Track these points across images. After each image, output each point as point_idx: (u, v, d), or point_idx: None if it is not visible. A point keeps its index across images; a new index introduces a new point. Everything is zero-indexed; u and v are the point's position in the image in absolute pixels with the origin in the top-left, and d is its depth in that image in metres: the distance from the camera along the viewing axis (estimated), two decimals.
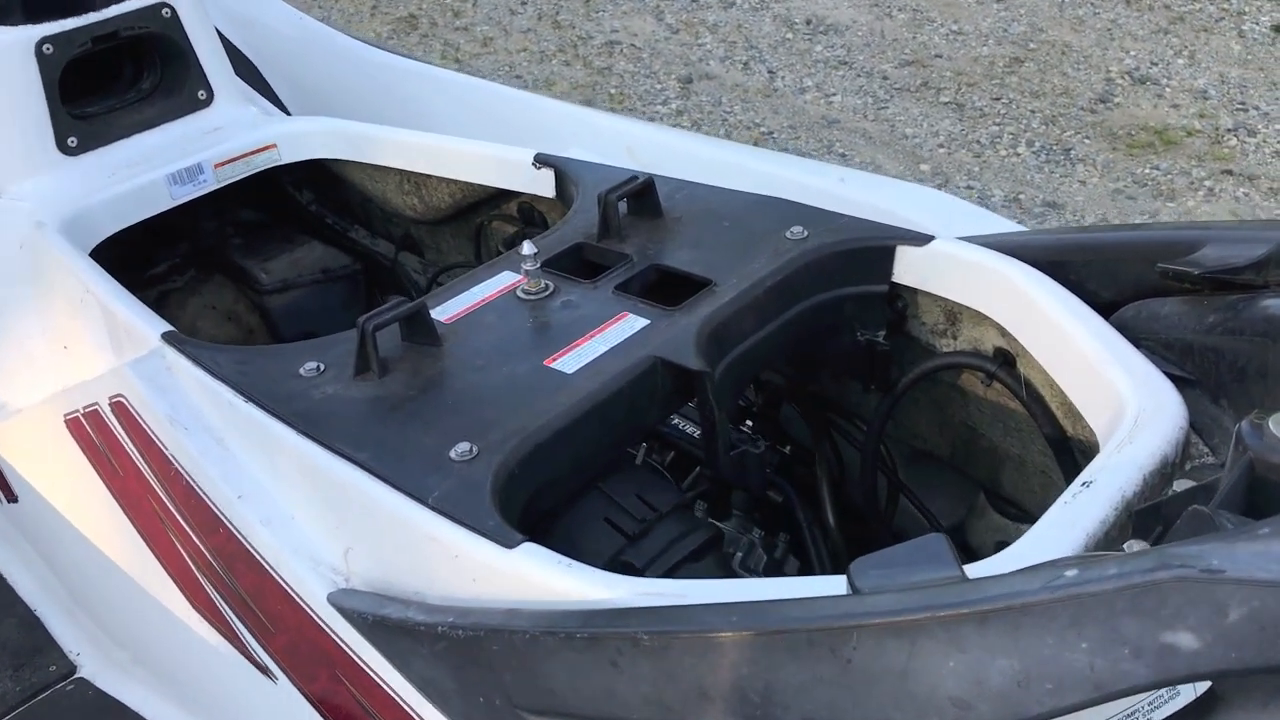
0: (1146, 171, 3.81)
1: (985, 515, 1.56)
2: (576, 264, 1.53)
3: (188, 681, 1.53)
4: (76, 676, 1.69)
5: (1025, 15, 4.85)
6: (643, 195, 1.58)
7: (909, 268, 1.44)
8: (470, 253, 2.07)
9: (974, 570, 0.87)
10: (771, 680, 0.84)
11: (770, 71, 4.60)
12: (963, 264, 1.39)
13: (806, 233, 1.47)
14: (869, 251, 1.45)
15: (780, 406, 1.74)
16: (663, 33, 4.91)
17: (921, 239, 1.43)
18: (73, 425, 1.51)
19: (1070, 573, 0.74)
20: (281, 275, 2.18)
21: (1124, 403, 1.11)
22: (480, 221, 2.01)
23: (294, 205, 2.30)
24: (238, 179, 1.96)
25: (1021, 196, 3.72)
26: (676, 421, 1.62)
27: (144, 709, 1.61)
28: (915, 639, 0.78)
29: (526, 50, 4.87)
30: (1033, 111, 4.21)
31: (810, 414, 1.67)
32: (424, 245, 2.18)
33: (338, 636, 1.19)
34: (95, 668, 1.70)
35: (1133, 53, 4.57)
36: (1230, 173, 3.77)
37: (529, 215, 1.92)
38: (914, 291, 1.46)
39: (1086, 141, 4.00)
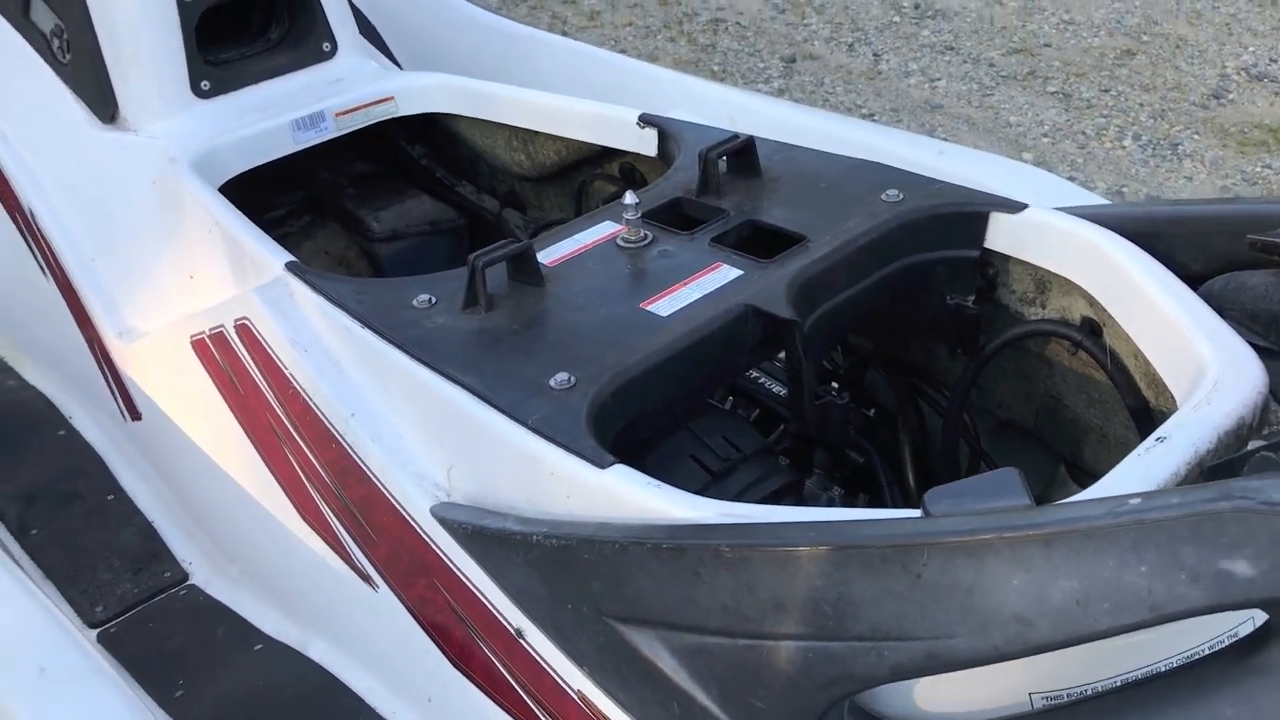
0: (1258, 170, 3.74)
1: (1066, 487, 1.59)
2: (675, 217, 1.58)
3: (293, 590, 1.63)
4: (189, 584, 1.81)
5: (1140, 7, 4.77)
6: (742, 154, 1.63)
7: (1002, 234, 1.47)
8: (571, 210, 2.14)
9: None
10: (844, 593, 0.89)
11: (875, 54, 4.60)
12: (1055, 232, 1.42)
13: (901, 196, 1.51)
14: (963, 217, 1.48)
15: (866, 370, 1.79)
16: (769, 11, 4.93)
17: (1015, 206, 1.46)
18: (198, 346, 1.62)
19: (1134, 501, 0.78)
20: (391, 225, 2.27)
21: (1204, 366, 1.14)
22: (582, 180, 2.08)
23: (405, 159, 2.39)
24: (356, 129, 2.05)
25: (1125, 189, 3.67)
26: (763, 380, 1.67)
27: (250, 615, 1.71)
28: (983, 558, 0.83)
29: (632, 25, 4.93)
30: (1141, 105, 4.15)
31: (895, 378, 1.71)
32: (527, 202, 2.26)
33: (438, 547, 1.27)
34: (206, 577, 1.81)
35: (1251, 48, 4.46)
36: None
37: (629, 175, 1.98)
38: (1005, 259, 1.49)
39: (1196, 137, 3.93)
